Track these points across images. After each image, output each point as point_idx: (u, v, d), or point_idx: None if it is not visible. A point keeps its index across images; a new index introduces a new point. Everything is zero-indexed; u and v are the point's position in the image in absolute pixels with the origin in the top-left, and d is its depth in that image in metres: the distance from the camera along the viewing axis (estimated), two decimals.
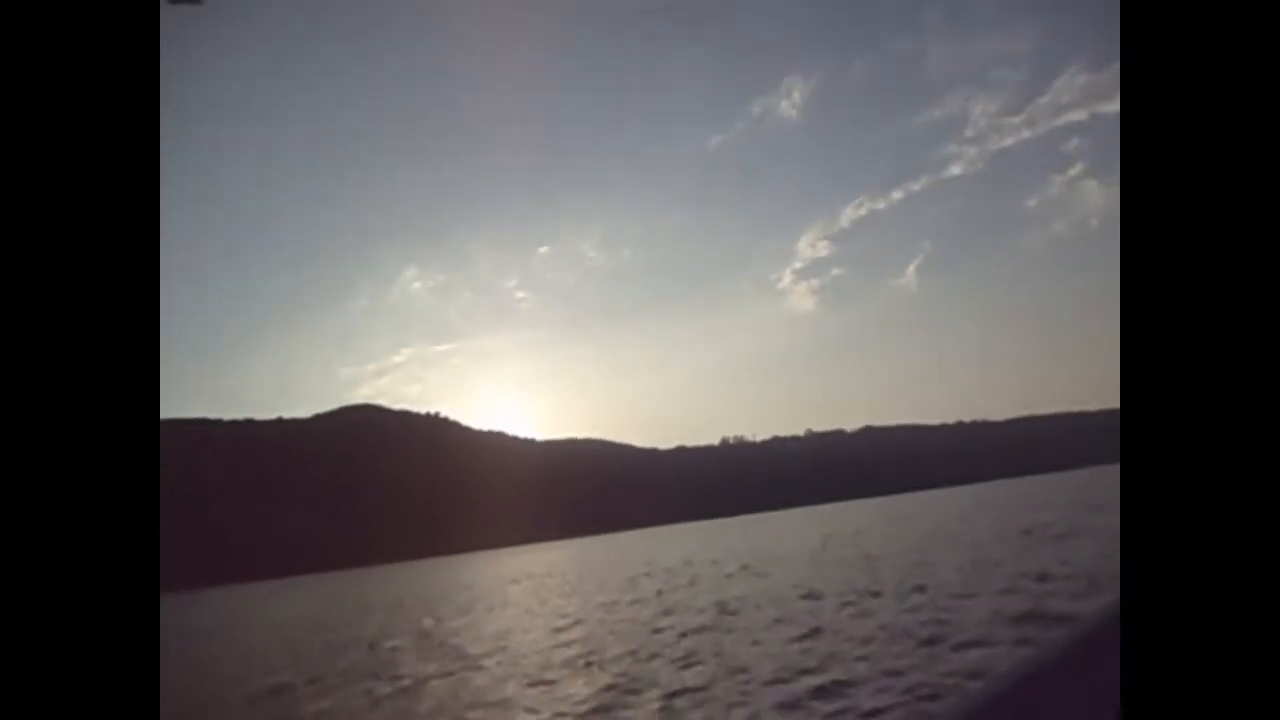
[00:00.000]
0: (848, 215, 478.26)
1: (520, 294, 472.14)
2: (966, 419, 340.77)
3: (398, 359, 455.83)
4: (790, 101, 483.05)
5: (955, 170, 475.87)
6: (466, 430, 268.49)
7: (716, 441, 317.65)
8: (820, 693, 6.68)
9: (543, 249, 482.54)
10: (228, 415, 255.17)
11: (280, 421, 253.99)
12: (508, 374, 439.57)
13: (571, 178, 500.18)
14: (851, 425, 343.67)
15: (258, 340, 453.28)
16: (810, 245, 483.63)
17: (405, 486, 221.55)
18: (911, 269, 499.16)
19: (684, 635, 10.91)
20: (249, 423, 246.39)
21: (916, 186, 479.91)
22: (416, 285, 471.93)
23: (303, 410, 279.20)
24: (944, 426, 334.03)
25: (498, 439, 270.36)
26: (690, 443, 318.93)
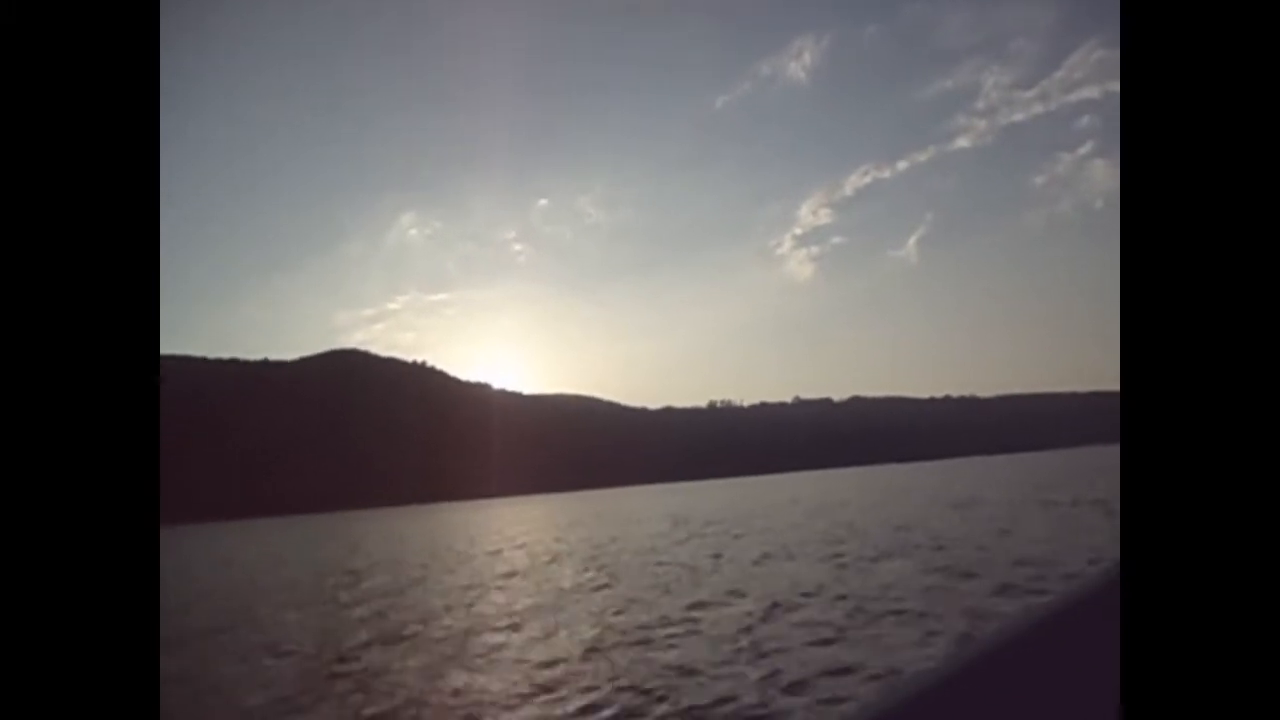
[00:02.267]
0: (852, 183, 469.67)
1: (517, 246, 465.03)
2: (955, 394, 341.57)
3: (393, 306, 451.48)
4: (800, 63, 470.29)
5: (963, 143, 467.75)
6: (452, 380, 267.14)
7: (704, 404, 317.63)
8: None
9: (542, 202, 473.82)
10: (213, 354, 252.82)
11: (266, 363, 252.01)
12: (501, 326, 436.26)
13: (573, 132, 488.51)
14: (839, 395, 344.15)
15: (250, 281, 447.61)
16: (812, 212, 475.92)
17: (385, 433, 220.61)
18: (912, 241, 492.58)
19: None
20: (234, 362, 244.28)
21: (923, 157, 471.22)
22: (413, 232, 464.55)
23: (292, 353, 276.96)
24: (931, 400, 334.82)
25: (482, 390, 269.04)
26: (678, 404, 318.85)
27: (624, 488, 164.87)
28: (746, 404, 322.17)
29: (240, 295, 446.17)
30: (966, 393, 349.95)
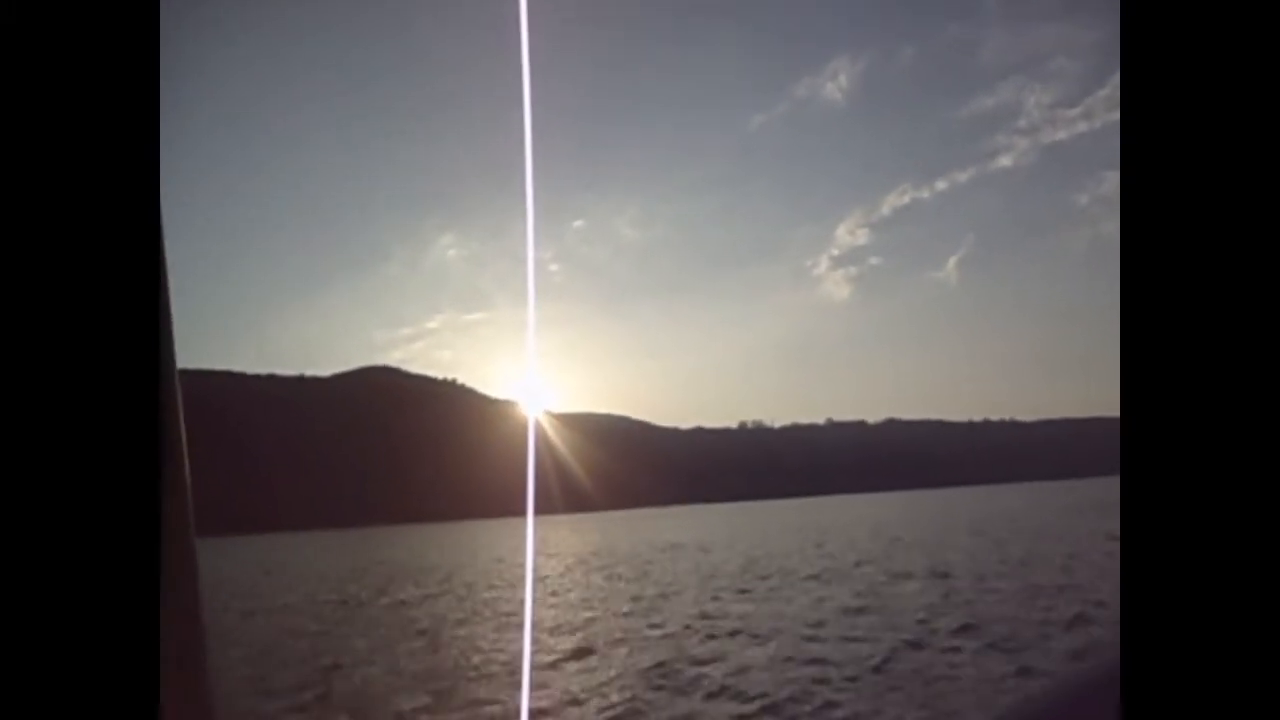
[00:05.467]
0: (889, 203, 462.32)
1: (554, 267, 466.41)
2: (995, 418, 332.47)
3: (431, 325, 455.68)
4: (836, 84, 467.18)
5: (1004, 162, 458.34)
6: (482, 398, 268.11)
7: (735, 425, 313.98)
8: None
9: (577, 223, 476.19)
10: (257, 370, 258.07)
11: (302, 379, 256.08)
12: (536, 345, 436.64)
13: (608, 152, 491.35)
14: (874, 417, 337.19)
15: (295, 299, 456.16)
16: (849, 232, 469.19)
17: (412, 449, 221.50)
18: (952, 262, 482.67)
19: None
20: (271, 378, 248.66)
21: (963, 177, 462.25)
22: (451, 253, 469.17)
23: (330, 370, 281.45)
24: (970, 424, 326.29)
25: (511, 408, 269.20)
26: (709, 424, 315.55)
27: (651, 509, 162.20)
28: (778, 425, 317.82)
29: (288, 312, 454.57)
30: (1007, 416, 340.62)
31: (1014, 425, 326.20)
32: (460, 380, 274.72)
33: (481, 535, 63.84)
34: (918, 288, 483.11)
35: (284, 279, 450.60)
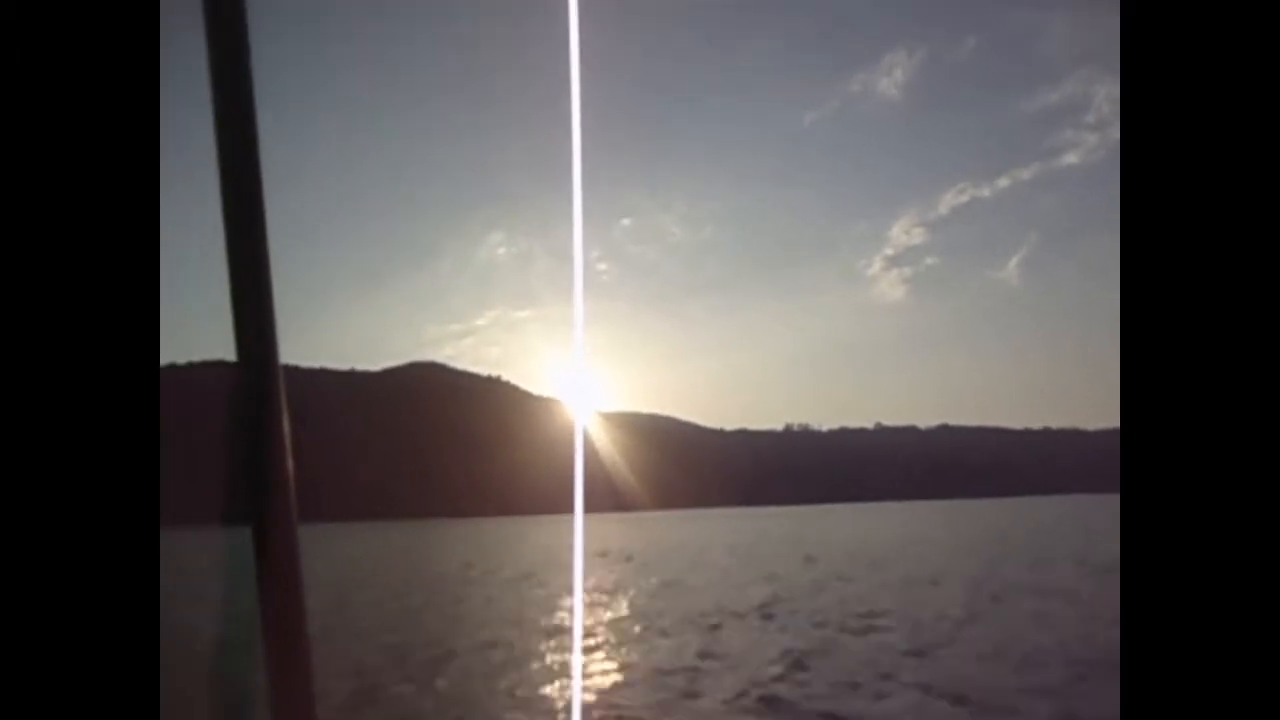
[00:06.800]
0: (947, 201, 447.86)
1: (601, 265, 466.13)
2: (1055, 425, 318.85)
3: (480, 322, 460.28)
4: (891, 80, 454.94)
5: (1071, 158, 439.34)
6: (525, 394, 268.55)
7: (780, 427, 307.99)
8: None
9: (625, 221, 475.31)
10: (318, 364, 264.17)
11: (352, 373, 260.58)
12: (583, 343, 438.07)
13: (656, 149, 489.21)
14: (926, 422, 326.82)
15: (354, 294, 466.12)
16: (905, 232, 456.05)
17: (453, 444, 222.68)
18: (1014, 262, 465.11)
19: None
20: (323, 371, 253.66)
21: (1026, 174, 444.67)
22: (501, 251, 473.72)
23: (380, 365, 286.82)
24: (1028, 432, 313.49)
25: (554, 406, 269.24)
26: (753, 426, 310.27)
27: (690, 510, 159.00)
28: (825, 429, 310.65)
29: (351, 307, 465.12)
30: (1069, 425, 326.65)
31: (1076, 434, 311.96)
32: (504, 377, 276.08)
33: (531, 531, 62.55)
34: (977, 289, 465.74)
35: (348, 274, 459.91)
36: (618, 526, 66.41)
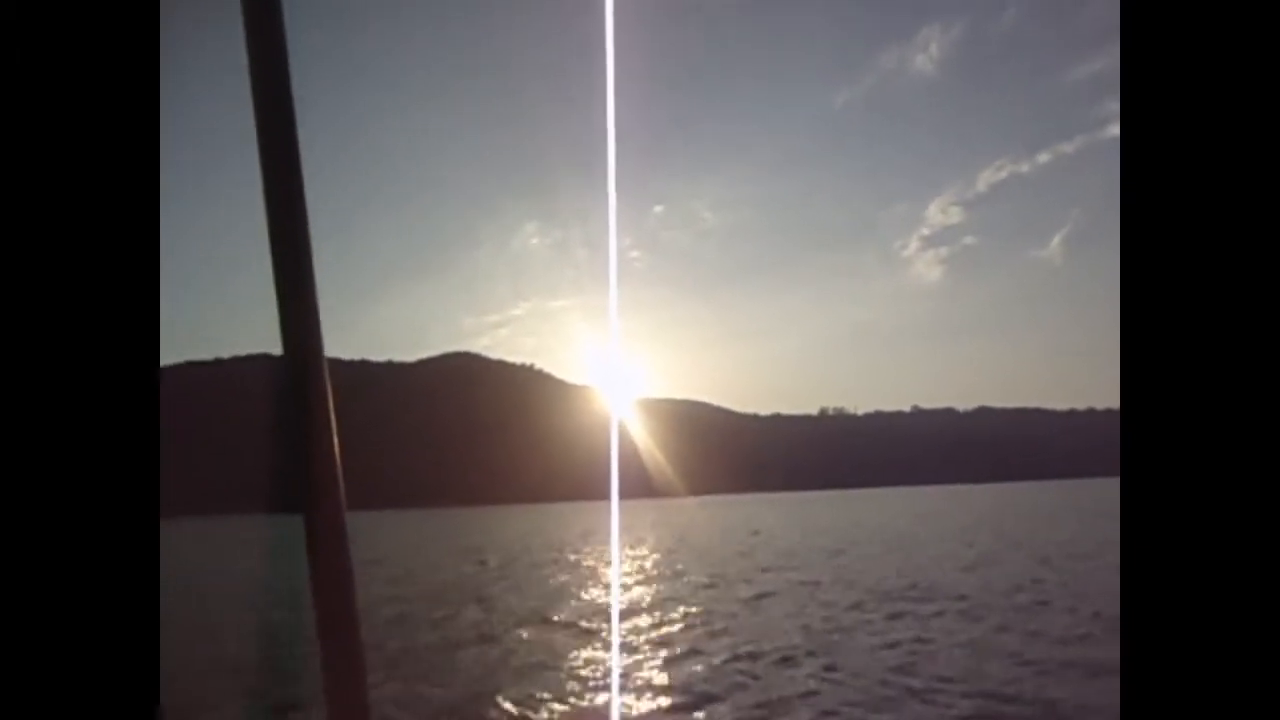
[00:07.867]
0: (985, 179, 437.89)
1: (635, 253, 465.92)
2: (1099, 406, 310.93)
3: (516, 312, 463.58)
4: (927, 55, 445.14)
5: (1116, 131, 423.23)
6: (559, 383, 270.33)
7: (815, 411, 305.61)
8: None
9: (658, 208, 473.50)
10: (361, 355, 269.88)
11: (390, 364, 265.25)
12: (618, 332, 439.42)
13: (687, 135, 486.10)
14: (964, 405, 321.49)
15: (393, 286, 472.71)
16: (941, 211, 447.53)
17: (488, 432, 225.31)
18: (1056, 240, 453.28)
19: None
20: (363, 363, 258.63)
21: (1069, 148, 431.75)
22: (535, 241, 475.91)
23: (417, 356, 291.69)
24: (1071, 413, 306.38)
25: (588, 393, 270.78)
26: (787, 411, 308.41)
27: (725, 496, 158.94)
28: (860, 412, 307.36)
29: (390, 298, 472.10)
30: (1113, 405, 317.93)
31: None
32: (538, 366, 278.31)
33: (574, 518, 63.64)
34: (1017, 268, 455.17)
35: (386, 267, 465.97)
36: (664, 513, 66.28)
